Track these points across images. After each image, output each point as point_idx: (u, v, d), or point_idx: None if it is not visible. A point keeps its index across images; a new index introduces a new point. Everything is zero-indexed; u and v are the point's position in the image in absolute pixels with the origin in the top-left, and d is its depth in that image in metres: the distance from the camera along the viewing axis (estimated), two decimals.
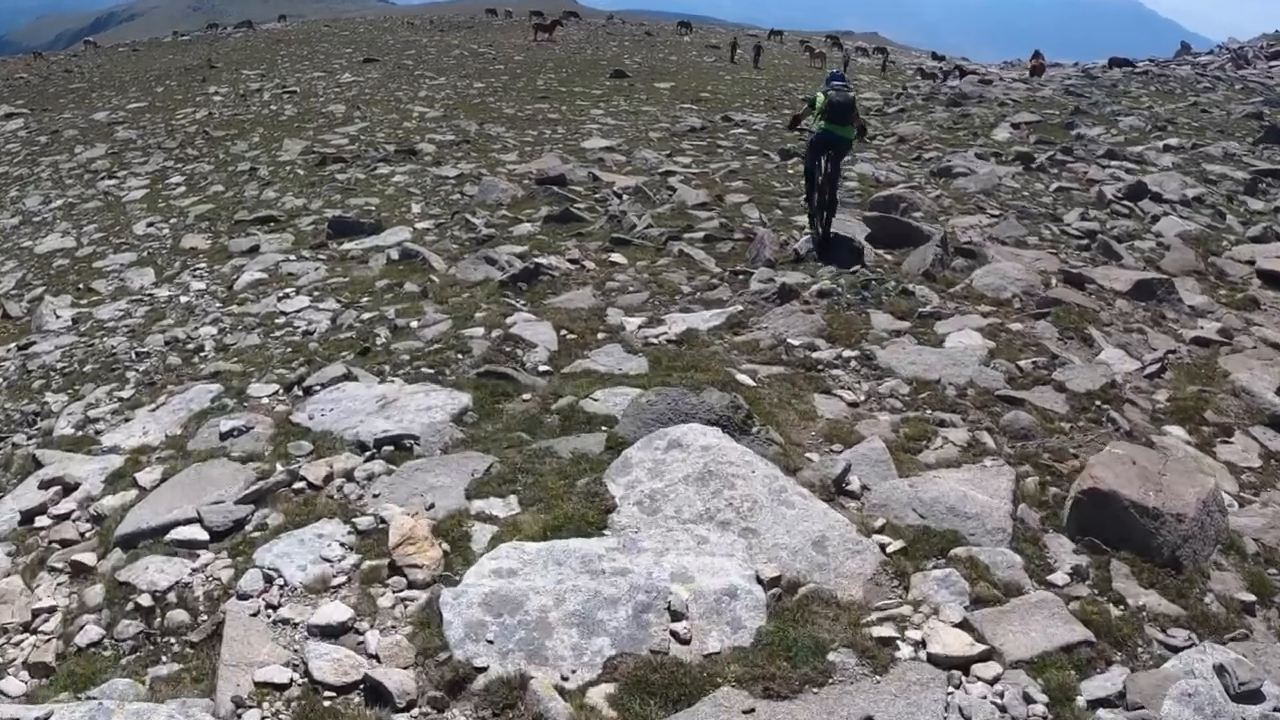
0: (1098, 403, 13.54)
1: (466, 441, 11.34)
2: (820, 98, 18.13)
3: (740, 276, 18.49)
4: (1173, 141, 34.51)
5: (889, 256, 19.90)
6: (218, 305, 21.29)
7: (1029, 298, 17.49)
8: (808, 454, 11.16)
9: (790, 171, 28.75)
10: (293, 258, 24.15)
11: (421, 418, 11.87)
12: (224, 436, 12.47)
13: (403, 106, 52.13)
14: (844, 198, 24.86)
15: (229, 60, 75.72)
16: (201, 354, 18.01)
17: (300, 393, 14.12)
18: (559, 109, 51.47)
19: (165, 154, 41.94)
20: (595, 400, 12.11)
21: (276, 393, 14.37)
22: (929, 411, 12.77)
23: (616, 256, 20.22)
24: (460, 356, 14.60)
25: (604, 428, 11.37)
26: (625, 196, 26.14)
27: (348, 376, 14.19)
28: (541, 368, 14.15)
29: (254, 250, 25.37)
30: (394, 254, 22.33)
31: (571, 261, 19.83)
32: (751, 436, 10.70)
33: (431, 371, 14.14)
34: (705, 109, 51.67)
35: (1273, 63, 66.63)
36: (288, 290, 21.13)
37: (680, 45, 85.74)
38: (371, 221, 26.40)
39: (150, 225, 30.12)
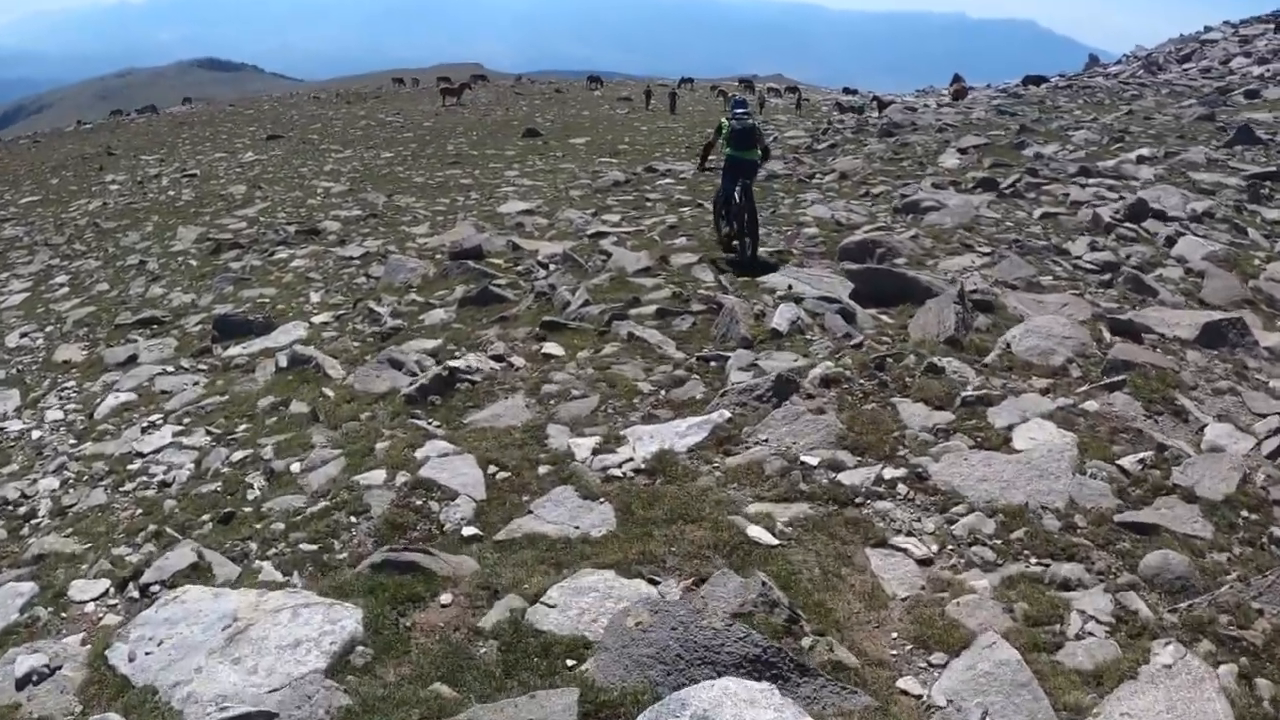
0: (1243, 513, 9.42)
1: (353, 716, 6.88)
2: (725, 124, 19.70)
3: (712, 363, 14.22)
4: (1144, 152, 30.84)
5: (887, 319, 15.79)
6: (70, 443, 16.84)
7: (1087, 361, 13.39)
8: (901, 683, 6.86)
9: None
10: (171, 369, 19.87)
11: (285, 666, 7.33)
12: (20, 684, 8.27)
13: (307, 183, 47.68)
14: (808, 247, 20.89)
15: (129, 146, 70.70)
16: (33, 521, 13.69)
17: (136, 593, 9.86)
18: (471, 173, 47.25)
19: (51, 251, 37.09)
20: (550, 606, 7.68)
21: (106, 593, 10.13)
22: (1034, 562, 8.54)
23: (551, 346, 15.75)
24: (354, 522, 10.14)
25: (571, 664, 6.99)
26: (553, 267, 21.85)
27: (196, 568, 9.76)
28: (466, 530, 9.71)
29: (131, 360, 21.05)
30: (283, 359, 17.94)
31: (495, 358, 15.33)
32: (810, 675, 6.33)
33: (313, 549, 9.73)
34: (626, 161, 47.63)
35: (1185, 65, 64.04)
36: (154, 418, 16.72)
37: (592, 100, 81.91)
38: (262, 319, 22.00)
39: (24, 336, 25.44)
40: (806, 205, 27.26)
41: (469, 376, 14.33)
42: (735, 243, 19.91)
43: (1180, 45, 73.86)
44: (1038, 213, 23.72)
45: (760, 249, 19.80)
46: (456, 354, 16.29)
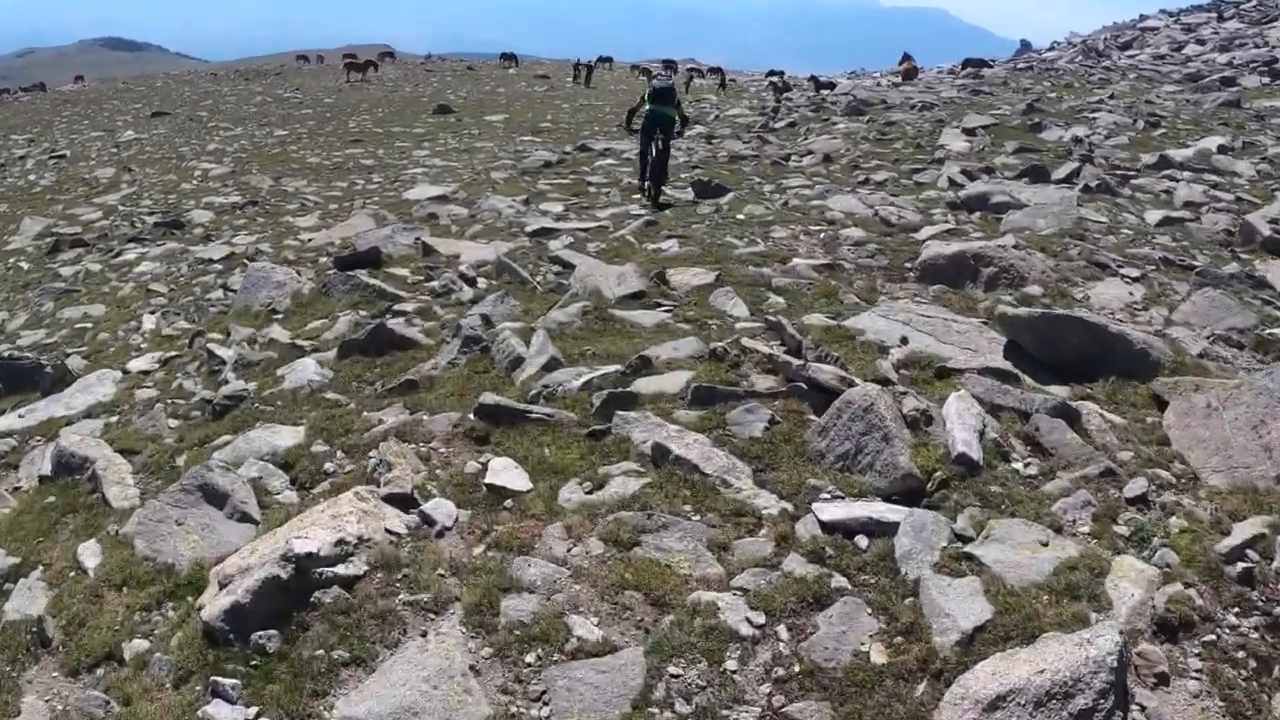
0: None
1: None
2: (647, 88, 20.84)
3: (860, 542, 6.62)
4: (1222, 141, 23.71)
5: (1112, 414, 8.36)
6: None
7: None
8: None
9: (741, 217, 17.10)
10: None
11: None
12: None
13: (185, 164, 39.23)
14: (859, 258, 13.91)
15: (3, 126, 61.15)
16: None
17: None
18: (374, 153, 39.11)
19: None
20: None
21: None
22: None
23: (501, 468, 7.85)
24: None
25: None
26: (483, 283, 14.12)
27: None
28: None
29: None
30: (48, 462, 10.15)
31: (398, 503, 7.44)
32: None
33: None
34: (552, 140, 39.72)
35: (1128, 52, 57.71)
36: None
37: (506, 78, 73.47)
38: (52, 369, 14.08)
39: None
40: (806, 194, 20.07)
41: (336, 577, 6.44)
42: (643, 189, 20.74)
43: (1117, 33, 67.68)
44: (1153, 217, 16.51)
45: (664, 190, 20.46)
46: (326, 467, 8.60)
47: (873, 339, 9.71)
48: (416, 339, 11.58)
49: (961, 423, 7.54)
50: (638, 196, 20.56)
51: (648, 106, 20.08)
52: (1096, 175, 19.45)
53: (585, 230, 16.62)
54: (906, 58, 53.49)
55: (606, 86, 68.49)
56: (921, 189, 20.29)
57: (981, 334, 9.93)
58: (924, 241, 14.36)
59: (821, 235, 15.04)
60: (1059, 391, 8.95)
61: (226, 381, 11.86)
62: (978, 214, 16.48)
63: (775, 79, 68.00)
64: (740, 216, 16.55)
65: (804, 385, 8.43)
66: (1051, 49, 68.87)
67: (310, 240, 21.40)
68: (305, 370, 11.41)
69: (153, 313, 17.65)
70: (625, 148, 31.58)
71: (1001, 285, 12.10)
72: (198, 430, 10.77)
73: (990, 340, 9.84)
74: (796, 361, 8.78)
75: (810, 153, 27.30)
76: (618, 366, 9.36)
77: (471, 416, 8.80)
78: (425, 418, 9.13)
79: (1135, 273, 13.06)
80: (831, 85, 54.81)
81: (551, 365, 9.56)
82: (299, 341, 12.81)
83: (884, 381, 8.64)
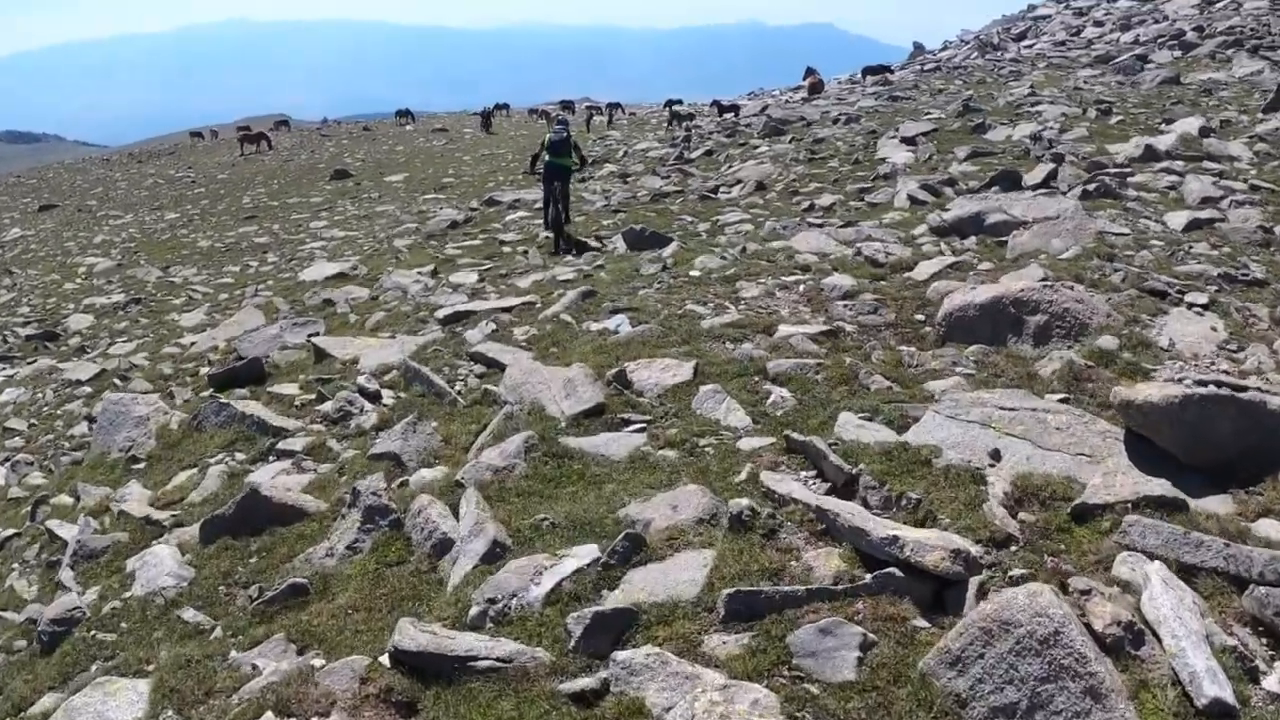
0: None
1: None
2: (546, 138, 21.10)
3: None
4: (1202, 123, 21.09)
5: None
6: None
7: None
8: None
9: (695, 273, 13.81)
10: None
11: None
12: None
13: (69, 261, 35.46)
14: (858, 315, 10.33)
15: None
16: None
17: None
18: (269, 229, 35.54)
19: None
20: None
21: None
22: None
23: None
24: None
25: None
26: (388, 396, 10.87)
27: None
28: None
29: None
30: None
31: None
32: None
33: None
34: (456, 196, 36.43)
35: (1024, 43, 55.84)
36: None
37: (404, 135, 69.87)
38: None
39: None
40: (755, 231, 17.15)
41: None
42: (548, 235, 20.86)
43: (1008, 25, 66.02)
44: (1176, 220, 13.64)
45: (570, 228, 20.63)
46: None
47: (954, 459, 6.53)
48: (303, 506, 8.22)
49: (1189, 636, 4.41)
50: (556, 255, 19.36)
51: (546, 158, 20.70)
52: (1080, 176, 16.64)
53: (508, 309, 13.31)
54: (810, 72, 50.77)
55: (506, 133, 65.32)
56: (879, 211, 17.44)
57: (1084, 423, 6.86)
58: (927, 283, 11.34)
59: (801, 288, 11.90)
60: (1221, 507, 5.93)
61: (61, 586, 8.49)
62: (973, 238, 13.47)
63: (675, 108, 65.15)
64: (694, 273, 13.30)
65: (896, 571, 5.22)
66: (945, 48, 66.96)
67: (192, 345, 17.99)
68: (160, 566, 8.00)
69: (5, 461, 14.19)
70: (534, 196, 28.42)
71: (1056, 337, 9.08)
72: (16, 677, 7.39)
73: (1103, 435, 6.77)
74: (871, 528, 5.55)
75: (739, 181, 24.41)
76: (593, 549, 6.08)
77: (385, 662, 5.52)
78: (318, 665, 5.80)
79: (1201, 299, 10.10)
80: (735, 108, 51.98)
81: (494, 555, 6.27)
82: (156, 514, 9.37)
83: (1005, 541, 5.52)
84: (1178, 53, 37.35)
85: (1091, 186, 15.16)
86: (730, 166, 27.41)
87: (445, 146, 58.87)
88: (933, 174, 20.08)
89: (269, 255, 30.19)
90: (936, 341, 9.77)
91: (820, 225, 15.63)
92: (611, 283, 13.46)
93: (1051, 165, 17.34)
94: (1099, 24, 52.66)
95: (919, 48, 69.02)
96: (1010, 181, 17.20)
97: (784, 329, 10.15)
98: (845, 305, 10.95)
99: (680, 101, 76.90)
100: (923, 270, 11.93)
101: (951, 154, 21.93)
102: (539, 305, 13.08)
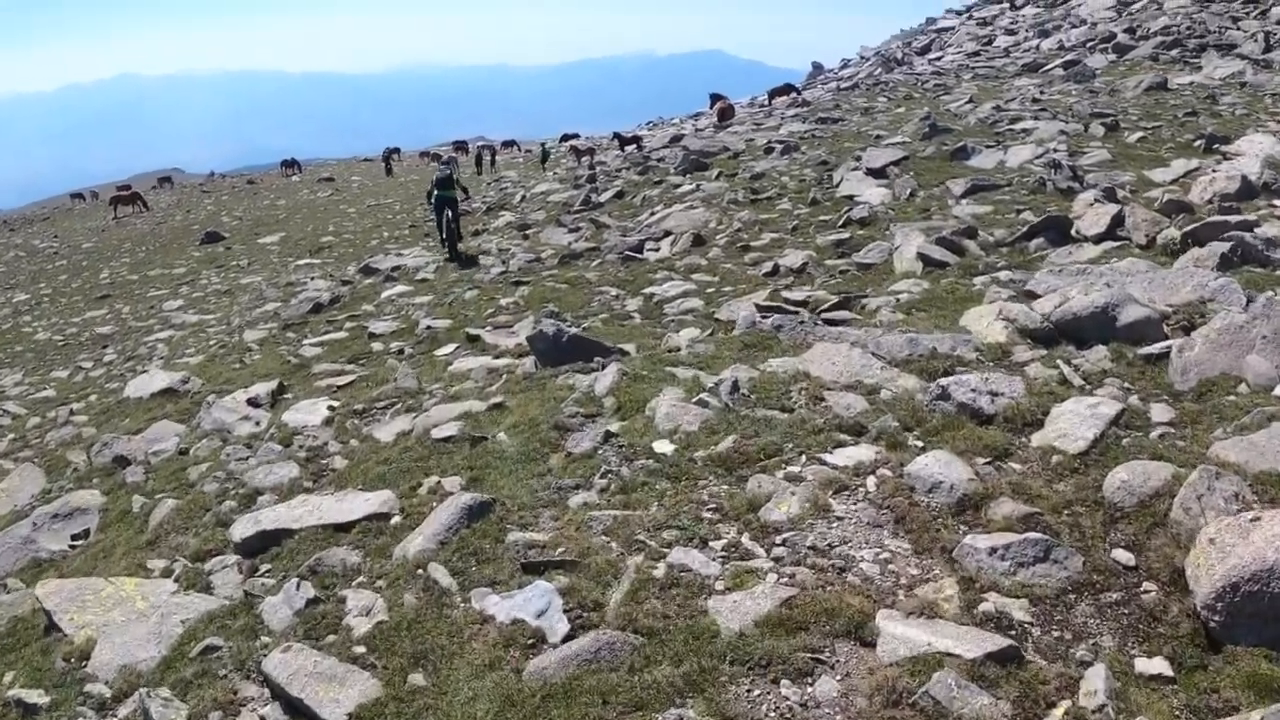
0: None
1: None
2: (435, 176, 24.32)
3: None
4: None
5: None
6: None
7: None
8: None
9: (667, 443, 7.91)
10: None
11: None
12: None
13: None
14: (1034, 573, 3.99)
15: None
16: None
17: None
18: (119, 313, 29.23)
19: None
20: None
21: None
22: None
23: None
24: None
25: None
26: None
27: None
28: None
29: None
30: None
31: None
32: None
33: None
34: (334, 260, 30.44)
35: (930, 55, 51.42)
36: None
37: (289, 187, 63.22)
38: None
39: None
40: (703, 310, 12.50)
41: None
42: (447, 249, 23.28)
43: (908, 39, 61.59)
44: None
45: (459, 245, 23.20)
46: None
47: None
48: None
49: None
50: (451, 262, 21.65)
51: (436, 192, 23.60)
52: (1157, 221, 11.35)
53: (347, 528, 7.39)
54: (718, 97, 45.42)
55: (397, 178, 59.09)
56: (878, 276, 12.21)
57: None
58: (1089, 465, 5.90)
59: (872, 486, 6.15)
60: None
61: None
62: (1101, 349, 7.93)
63: (574, 142, 59.39)
64: (660, 445, 7.31)
65: None
66: (845, 66, 62.20)
67: None
68: None
69: None
70: (416, 263, 22.71)
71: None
72: None
73: None
74: None
75: (668, 234, 18.86)
76: None
77: None
78: None
79: None
80: (637, 139, 46.51)
81: None
82: None
83: None
84: (1112, 56, 32.86)
85: (1225, 248, 9.73)
86: (651, 213, 21.78)
87: (329, 198, 52.51)
88: (931, 218, 14.74)
89: (108, 351, 24.09)
90: (1200, 640, 4.25)
91: (838, 324, 9.91)
92: (518, 465, 7.60)
93: (1112, 207, 12.05)
94: (1010, 32, 48.23)
95: (818, 67, 64.33)
96: (1058, 231, 11.94)
97: (889, 626, 4.57)
98: (978, 540, 5.29)
99: (577, 135, 71.37)
100: (1064, 431, 6.39)
101: (941, 189, 16.70)
102: (396, 519, 7.22)
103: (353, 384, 13.33)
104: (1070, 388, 7.24)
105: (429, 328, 15.35)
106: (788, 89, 47.96)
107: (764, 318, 10.33)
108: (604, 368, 9.37)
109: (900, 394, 7.51)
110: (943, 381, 7.19)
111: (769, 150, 25.53)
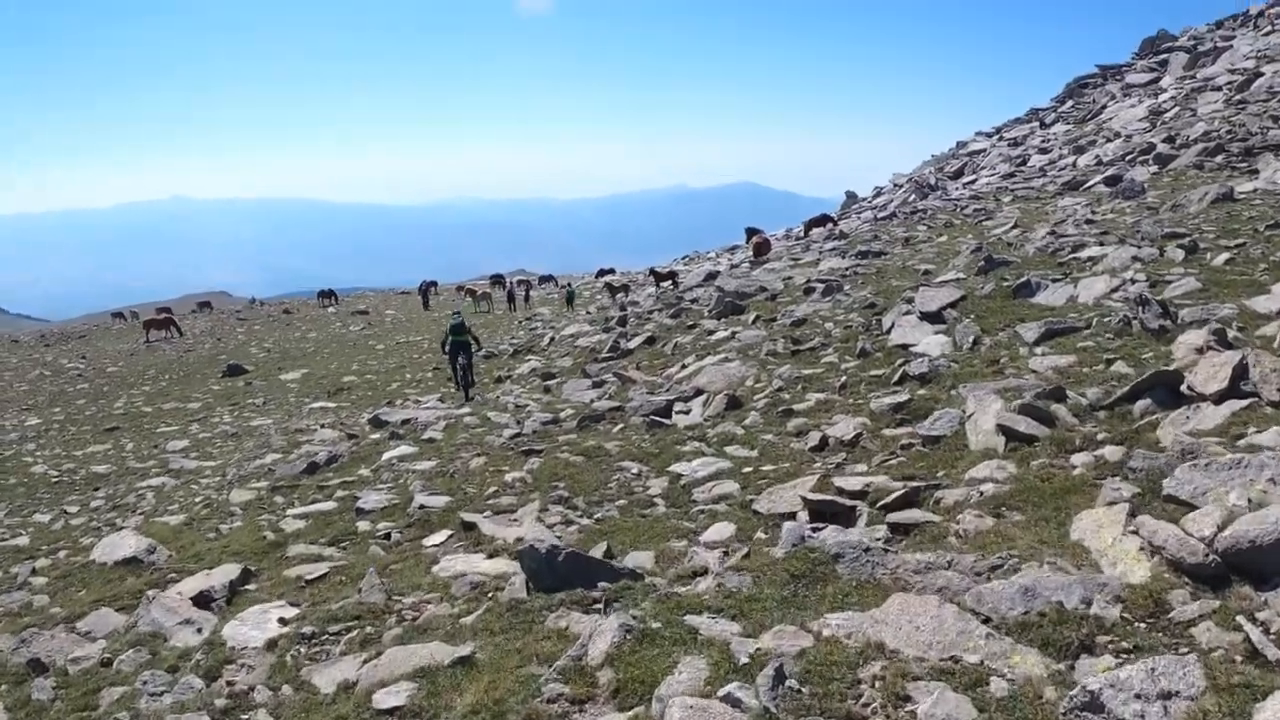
0: None
1: None
2: (448, 324, 25.68)
3: None
4: None
5: None
6: None
7: None
8: None
9: None
10: None
11: None
12: None
13: None
14: None
15: None
16: None
17: None
18: (122, 451, 27.50)
19: None
20: None
21: None
22: None
23: None
24: None
25: None
26: None
27: None
28: None
29: None
30: None
31: None
32: None
33: None
34: (350, 404, 28.67)
35: (964, 179, 49.97)
36: None
37: (321, 319, 62.18)
38: None
39: None
40: (739, 500, 10.88)
41: None
42: (458, 389, 24.87)
43: (939, 163, 60.12)
44: None
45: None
46: None
47: None
48: None
49: None
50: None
51: (451, 337, 24.86)
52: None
53: None
54: (754, 231, 43.89)
55: (431, 313, 57.80)
56: (948, 455, 10.05)
57: None
58: None
59: None
60: None
61: None
62: None
63: (609, 278, 58.12)
64: None
65: None
66: (879, 194, 60.74)
67: None
68: None
69: None
70: (428, 418, 20.79)
71: None
72: None
73: None
74: None
75: (700, 392, 16.81)
76: None
77: None
78: None
79: None
80: (673, 275, 44.97)
81: None
82: None
83: None
84: (1154, 168, 30.99)
85: None
86: (682, 365, 19.79)
87: (361, 332, 51.20)
88: (1003, 372, 12.63)
89: (98, 495, 22.26)
90: None
91: (908, 530, 7.80)
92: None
93: (1230, 355, 9.89)
94: (1043, 150, 46.62)
95: (851, 196, 62.94)
96: (1166, 389, 9.77)
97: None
98: None
99: (613, 270, 70.23)
100: None
101: (1008, 334, 14.61)
102: None
103: (324, 578, 11.21)
104: (1270, 668, 4.98)
105: (422, 507, 13.25)
106: (824, 219, 46.49)
107: (814, 530, 8.12)
108: (606, 608, 7.21)
109: (1021, 688, 5.24)
110: (1090, 685, 4.89)
111: (809, 291, 23.60)
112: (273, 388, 35.11)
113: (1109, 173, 32.23)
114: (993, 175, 45.74)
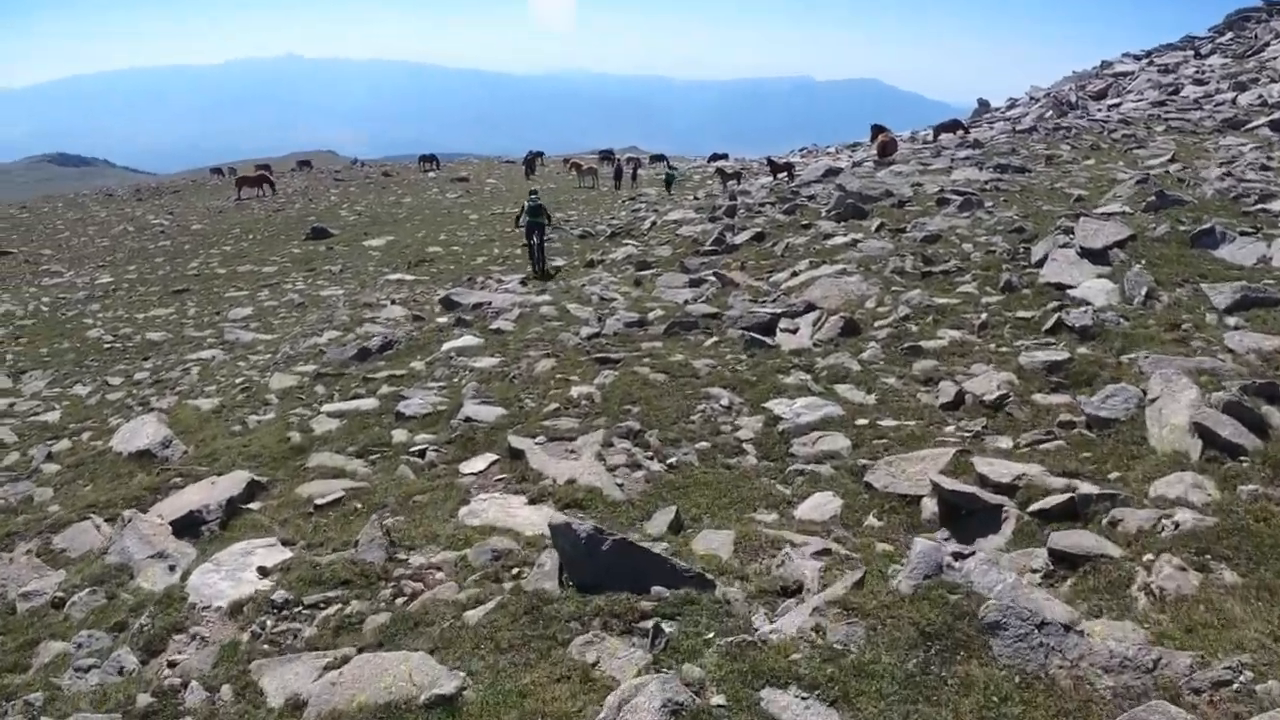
0: None
1: None
2: (524, 205, 25.92)
3: None
4: None
5: None
6: None
7: None
8: None
9: None
10: None
11: None
12: None
13: None
14: None
15: None
16: None
17: None
18: (184, 314, 26.17)
19: None
20: None
21: None
22: None
23: None
24: None
25: None
26: None
27: None
28: None
29: None
30: None
31: None
32: None
33: None
34: (429, 277, 26.85)
35: (1107, 101, 45.76)
36: None
37: (420, 184, 60.33)
38: None
39: None
40: (846, 466, 8.85)
41: None
42: (535, 269, 25.03)
43: (1082, 81, 55.59)
44: None
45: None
46: None
47: None
48: None
49: None
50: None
51: (525, 218, 25.58)
52: None
53: None
54: (880, 129, 40.56)
55: (531, 185, 55.70)
56: (1123, 447, 8.00)
57: None
58: None
59: None
60: None
61: None
62: None
63: (721, 164, 55.12)
64: None
65: None
66: (1012, 106, 56.52)
67: None
68: None
69: None
70: (502, 303, 18.80)
71: None
72: None
73: None
74: None
75: (811, 308, 14.53)
76: None
77: None
78: None
79: None
80: (789, 167, 42.02)
81: None
82: None
83: None
84: None
85: None
86: (794, 272, 17.41)
87: (455, 201, 49.29)
88: (1189, 344, 10.17)
89: (145, 365, 21.00)
90: None
91: (1111, 671, 5.20)
92: None
93: None
94: (1199, 82, 42.30)
95: (984, 104, 58.67)
96: None
97: None
98: None
99: (726, 156, 67.06)
100: None
101: (1189, 291, 12.05)
102: None
103: (337, 504, 9.39)
104: None
105: (469, 420, 11.28)
106: (955, 125, 42.97)
107: (956, 558, 5.85)
108: (654, 641, 5.14)
109: None
110: None
111: (943, 202, 20.90)
112: (354, 254, 33.50)
113: (1275, 116, 28.57)
114: (1140, 101, 41.68)
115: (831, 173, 33.00)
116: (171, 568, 8.45)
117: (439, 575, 7.08)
